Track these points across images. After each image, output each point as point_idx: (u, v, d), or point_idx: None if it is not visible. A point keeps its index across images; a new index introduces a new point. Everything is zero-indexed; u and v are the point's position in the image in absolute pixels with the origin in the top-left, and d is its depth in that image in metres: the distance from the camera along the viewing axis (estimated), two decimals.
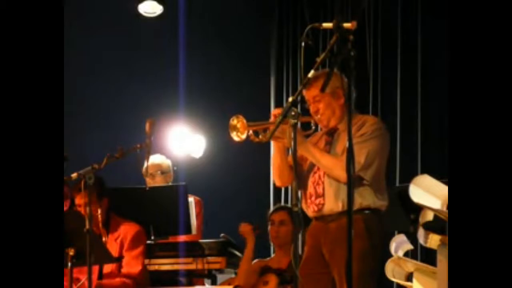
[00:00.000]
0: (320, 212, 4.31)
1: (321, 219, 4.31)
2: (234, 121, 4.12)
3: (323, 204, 4.27)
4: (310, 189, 4.34)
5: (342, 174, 4.07)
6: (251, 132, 4.14)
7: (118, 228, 5.17)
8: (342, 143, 4.26)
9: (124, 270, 5.11)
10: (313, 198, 4.32)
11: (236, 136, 4.12)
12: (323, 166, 4.26)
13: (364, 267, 4.09)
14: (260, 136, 4.18)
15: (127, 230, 5.16)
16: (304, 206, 4.37)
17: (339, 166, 4.13)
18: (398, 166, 6.86)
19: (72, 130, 5.73)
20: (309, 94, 4.34)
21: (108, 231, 5.17)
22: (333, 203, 4.24)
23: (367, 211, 4.22)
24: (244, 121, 4.11)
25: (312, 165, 4.37)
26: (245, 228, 5.72)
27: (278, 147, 4.37)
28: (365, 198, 4.22)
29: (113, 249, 5.08)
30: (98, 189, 5.07)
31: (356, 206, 4.15)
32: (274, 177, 4.49)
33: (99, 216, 5.08)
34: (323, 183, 4.28)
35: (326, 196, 4.26)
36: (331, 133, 4.39)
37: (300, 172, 4.40)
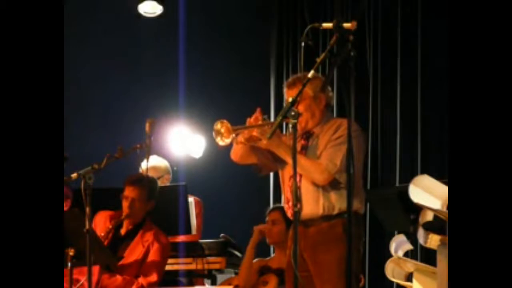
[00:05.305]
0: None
1: (301, 223, 4.28)
2: (218, 125, 4.12)
3: (299, 209, 4.24)
4: (287, 193, 4.36)
5: (319, 178, 4.22)
6: (234, 135, 4.14)
7: (149, 233, 5.15)
8: (319, 147, 4.27)
9: (140, 273, 5.09)
10: (290, 203, 4.31)
11: (221, 141, 4.12)
12: (301, 169, 4.23)
13: (345, 269, 4.09)
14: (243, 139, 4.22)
15: (159, 238, 5.14)
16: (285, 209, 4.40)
17: (317, 169, 4.20)
18: (398, 166, 6.86)
19: (72, 130, 5.73)
20: (290, 94, 4.30)
21: (137, 233, 5.15)
22: (312, 207, 4.24)
23: (345, 215, 4.20)
24: (229, 125, 4.11)
25: (290, 169, 4.36)
26: (257, 227, 5.64)
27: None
28: (341, 202, 4.21)
29: (137, 251, 5.08)
30: (150, 190, 5.15)
31: (335, 210, 4.23)
32: None
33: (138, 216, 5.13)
34: (299, 188, 4.25)
35: (304, 201, 4.23)
36: (307, 137, 4.38)
37: (281, 176, 4.46)
